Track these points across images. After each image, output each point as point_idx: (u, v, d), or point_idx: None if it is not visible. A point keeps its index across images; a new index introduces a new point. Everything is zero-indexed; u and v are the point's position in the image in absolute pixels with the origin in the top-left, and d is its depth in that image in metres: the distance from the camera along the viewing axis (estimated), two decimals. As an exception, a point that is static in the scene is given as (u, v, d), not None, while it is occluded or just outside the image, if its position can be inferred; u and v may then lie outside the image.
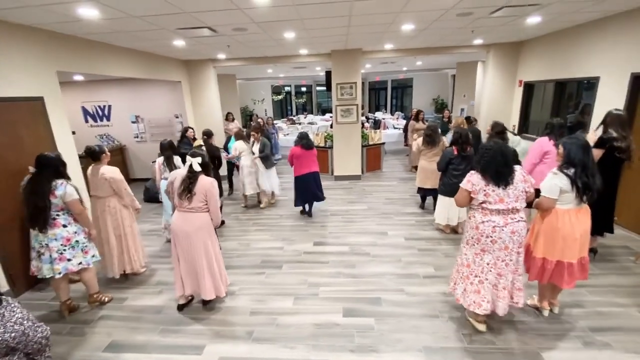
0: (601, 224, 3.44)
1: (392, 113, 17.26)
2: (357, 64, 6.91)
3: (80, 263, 2.99)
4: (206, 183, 2.79)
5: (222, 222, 5.12)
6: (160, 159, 4.38)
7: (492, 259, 2.46)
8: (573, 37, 5.33)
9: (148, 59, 5.98)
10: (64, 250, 2.89)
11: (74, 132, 4.68)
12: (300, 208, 5.59)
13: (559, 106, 6.00)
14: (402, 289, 3.32)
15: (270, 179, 5.93)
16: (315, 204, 5.49)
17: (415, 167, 6.29)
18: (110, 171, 3.35)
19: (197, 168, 2.78)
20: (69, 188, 2.85)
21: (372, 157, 8.15)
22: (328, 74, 9.80)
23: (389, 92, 19.08)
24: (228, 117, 8.85)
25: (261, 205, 5.99)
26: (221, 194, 4.75)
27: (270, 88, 17.27)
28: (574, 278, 2.57)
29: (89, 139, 7.91)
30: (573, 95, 5.80)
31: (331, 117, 15.24)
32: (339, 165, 7.52)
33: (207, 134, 5.39)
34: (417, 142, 5.05)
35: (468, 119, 6.24)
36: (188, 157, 2.82)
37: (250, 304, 3.18)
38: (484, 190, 2.40)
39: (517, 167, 2.45)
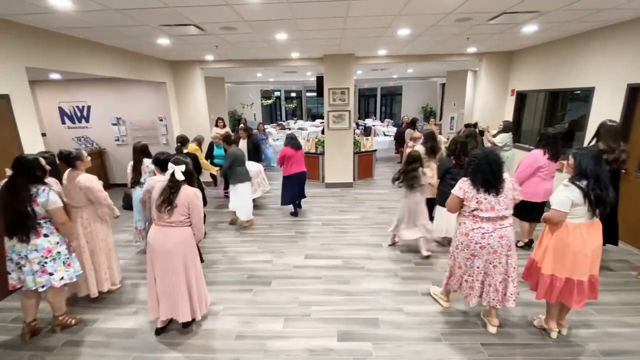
0: (605, 236, 3.32)
1: (381, 120, 17.26)
2: (350, 69, 6.75)
3: (63, 278, 2.67)
4: (189, 194, 2.51)
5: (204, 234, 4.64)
6: (131, 163, 4.10)
7: (481, 262, 2.56)
8: (567, 47, 5.30)
9: (131, 57, 5.66)
10: (45, 262, 2.58)
11: (44, 134, 4.29)
12: (290, 208, 5.73)
13: (551, 116, 5.97)
14: (400, 307, 3.10)
15: (237, 197, 4.98)
16: (307, 212, 5.22)
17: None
18: (86, 180, 3.01)
19: (180, 177, 2.50)
20: (52, 195, 2.53)
21: (364, 164, 7.98)
22: (319, 79, 9.63)
23: (378, 99, 19.14)
24: (218, 124, 7.93)
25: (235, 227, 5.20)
26: (205, 203, 4.44)
27: (260, 92, 17.01)
28: (583, 297, 2.43)
29: (65, 142, 7.47)
30: (566, 106, 5.78)
31: (321, 122, 15.20)
32: (330, 172, 7.31)
33: (182, 141, 4.94)
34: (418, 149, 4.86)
35: (468, 125, 6.10)
36: (170, 165, 2.54)
37: (236, 326, 2.89)
38: (476, 198, 2.46)
39: (506, 175, 2.51)
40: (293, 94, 19.61)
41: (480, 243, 2.49)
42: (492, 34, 4.99)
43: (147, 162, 4.09)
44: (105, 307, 3.21)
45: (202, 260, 4.19)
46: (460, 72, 11.24)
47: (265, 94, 17.31)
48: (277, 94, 18.55)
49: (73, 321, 2.95)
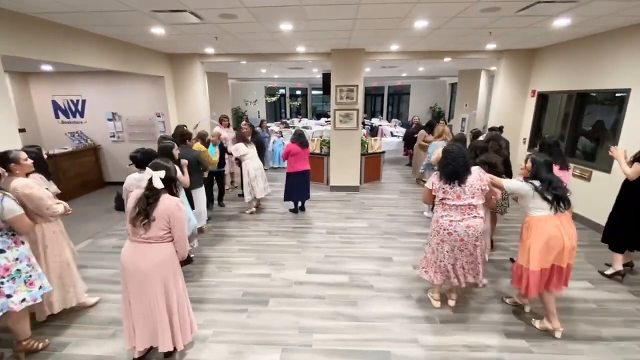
0: (636, 240, 3.34)
1: (388, 120, 16.81)
2: (359, 65, 6.32)
3: (24, 300, 2.29)
4: (170, 205, 2.11)
5: (189, 259, 3.88)
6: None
7: (449, 248, 2.78)
8: (598, 45, 4.83)
9: (125, 49, 5.28)
10: (2, 283, 2.20)
11: (22, 130, 3.92)
12: (291, 204, 5.72)
13: (577, 120, 5.50)
14: (416, 338, 2.69)
15: (198, 204, 4.24)
16: (311, 218, 4.82)
17: (424, 181, 5.73)
18: (23, 185, 2.44)
19: (159, 184, 2.10)
20: (8, 202, 2.15)
21: (371, 166, 7.55)
22: (325, 76, 9.21)
23: (385, 98, 18.68)
24: (223, 122, 6.81)
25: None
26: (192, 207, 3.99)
27: (265, 90, 16.60)
28: (561, 283, 2.61)
29: (58, 137, 7.15)
30: (596, 109, 5.30)
31: (327, 121, 14.77)
32: (335, 174, 6.89)
33: (182, 136, 4.36)
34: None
35: (492, 129, 5.55)
36: (148, 170, 2.14)
37: (226, 357, 2.50)
38: (443, 188, 2.73)
39: (474, 168, 2.77)
40: (298, 92, 19.18)
41: (447, 230, 2.73)
42: (518, 28, 4.53)
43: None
44: (78, 328, 2.84)
45: (189, 261, 3.86)
46: (473, 72, 10.75)
47: (270, 91, 16.90)
48: (281, 91, 18.13)
49: (40, 345, 2.56)
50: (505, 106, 6.63)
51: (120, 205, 5.92)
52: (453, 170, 2.66)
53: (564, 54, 5.57)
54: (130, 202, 2.13)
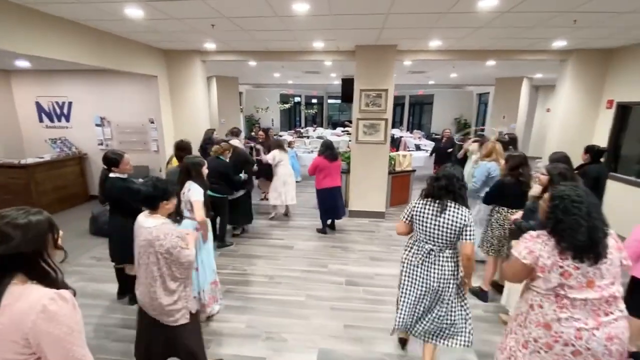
0: None
1: (410, 131, 15.58)
2: (390, 65, 5.18)
3: None
4: (29, 311, 0.99)
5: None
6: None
7: None
8: None
9: (110, 42, 4.34)
10: None
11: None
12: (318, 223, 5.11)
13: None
14: None
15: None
16: (325, 257, 3.66)
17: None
18: None
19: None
20: None
21: (399, 187, 6.33)
22: (345, 82, 8.15)
23: (406, 108, 17.54)
24: (234, 133, 5.85)
25: None
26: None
27: (279, 97, 15.68)
28: None
29: (41, 144, 6.28)
30: None
31: (343, 131, 13.61)
32: (356, 197, 5.71)
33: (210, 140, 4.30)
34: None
35: (592, 149, 3.79)
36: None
37: None
38: (560, 267, 1.51)
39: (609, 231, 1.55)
40: (314, 100, 18.21)
41: (574, 346, 1.51)
42: (619, 14, 3.30)
43: (193, 188, 2.70)
44: None
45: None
46: (514, 80, 9.49)
47: (284, 99, 15.97)
48: (297, 99, 17.18)
49: None
50: (572, 119, 5.32)
51: (97, 229, 4.92)
52: (589, 236, 1.47)
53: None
54: None
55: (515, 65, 7.05)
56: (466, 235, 2.03)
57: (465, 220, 2.03)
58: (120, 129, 6.31)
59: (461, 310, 2.18)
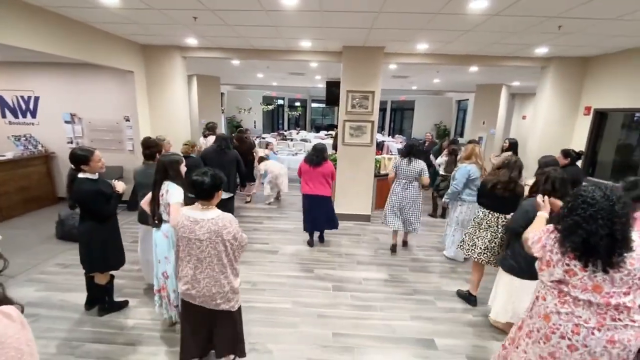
0: None
1: (391, 136, 15.77)
2: (377, 67, 5.14)
3: None
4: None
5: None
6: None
7: None
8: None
9: (83, 32, 4.07)
10: None
11: None
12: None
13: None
14: None
15: (142, 251, 3.26)
16: (312, 262, 3.51)
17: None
18: None
19: None
20: None
21: (384, 190, 6.24)
22: (329, 85, 8.08)
23: (387, 113, 17.78)
24: (210, 128, 6.55)
25: None
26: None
27: (262, 99, 15.44)
28: None
29: (3, 141, 5.80)
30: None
31: (327, 134, 13.54)
32: (341, 200, 5.61)
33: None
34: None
35: (567, 153, 4.12)
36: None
37: None
38: (566, 264, 1.49)
39: (636, 235, 1.43)
40: (297, 103, 18.08)
41: (570, 340, 1.49)
42: (601, 20, 3.38)
43: (172, 190, 2.47)
44: None
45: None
46: (493, 87, 9.74)
47: (267, 101, 15.75)
48: (279, 101, 16.99)
49: None
50: (550, 126, 5.46)
51: (64, 233, 4.55)
52: (585, 240, 1.42)
53: (632, 63, 4.45)
54: None
55: (496, 72, 7.20)
56: (424, 174, 4.06)
57: (421, 167, 4.05)
58: (93, 127, 5.93)
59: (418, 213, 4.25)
